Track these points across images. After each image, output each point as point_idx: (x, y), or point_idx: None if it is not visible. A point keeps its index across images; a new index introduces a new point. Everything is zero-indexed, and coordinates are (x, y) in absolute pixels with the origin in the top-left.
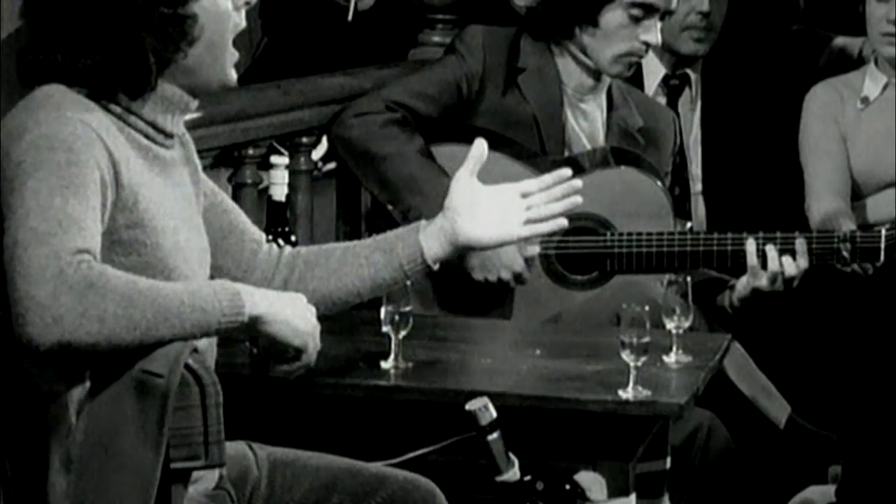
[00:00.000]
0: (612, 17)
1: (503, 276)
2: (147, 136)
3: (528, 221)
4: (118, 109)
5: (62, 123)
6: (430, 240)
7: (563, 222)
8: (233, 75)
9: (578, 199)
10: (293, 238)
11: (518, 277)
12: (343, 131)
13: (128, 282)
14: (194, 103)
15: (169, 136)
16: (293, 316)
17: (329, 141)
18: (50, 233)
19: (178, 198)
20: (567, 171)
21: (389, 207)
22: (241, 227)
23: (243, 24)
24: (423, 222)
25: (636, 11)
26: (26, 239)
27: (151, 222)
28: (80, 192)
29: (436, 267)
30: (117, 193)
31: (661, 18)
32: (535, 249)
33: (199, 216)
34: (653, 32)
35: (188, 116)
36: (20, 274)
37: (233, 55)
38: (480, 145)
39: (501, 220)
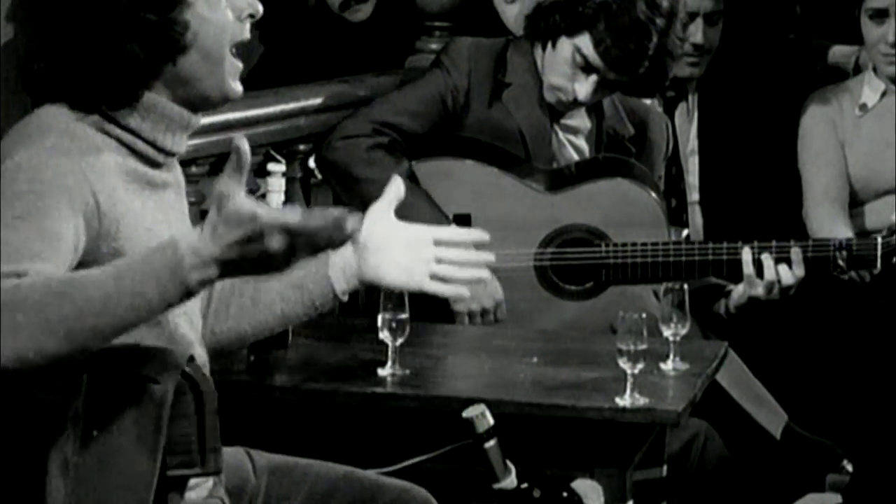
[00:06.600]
0: (564, 48)
1: (486, 304)
2: (145, 158)
3: (434, 277)
4: (116, 130)
5: (35, 153)
6: (338, 274)
7: (465, 292)
8: (236, 87)
9: (486, 272)
10: None
11: (499, 307)
12: (329, 154)
13: (41, 286)
14: (196, 119)
15: (170, 154)
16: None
17: (316, 163)
18: None
19: (170, 221)
20: (484, 236)
21: None
22: None
23: (247, 35)
24: (330, 255)
25: (579, 59)
26: None
27: (135, 249)
28: (34, 220)
29: (345, 299)
30: (99, 222)
31: (605, 86)
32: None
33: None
34: (584, 88)
35: (190, 133)
36: None
37: (234, 65)
38: (397, 183)
39: (408, 266)
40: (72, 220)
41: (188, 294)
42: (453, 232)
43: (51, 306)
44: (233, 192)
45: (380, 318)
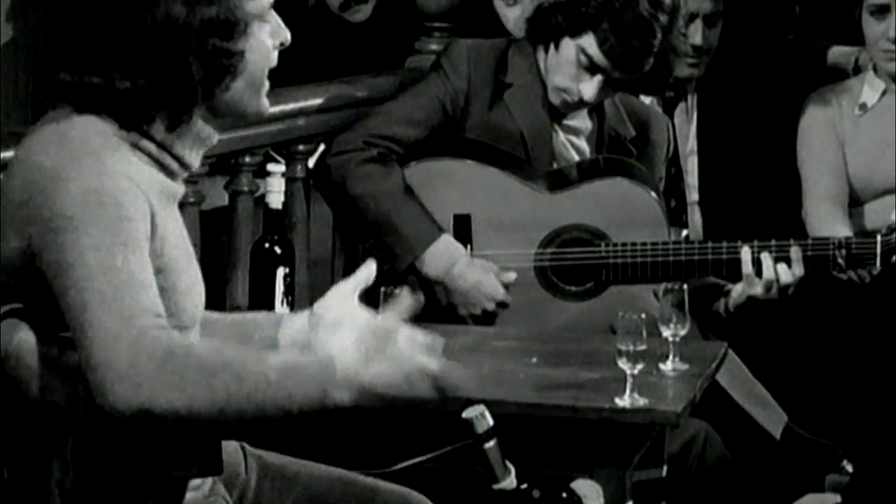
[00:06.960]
0: (568, 49)
1: (487, 307)
2: (170, 173)
3: None
4: (150, 146)
5: (107, 176)
6: (286, 342)
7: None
8: (267, 104)
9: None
10: (290, 246)
11: (502, 305)
12: (324, 172)
13: (212, 351)
14: (217, 138)
15: (189, 169)
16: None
17: (313, 181)
18: (117, 296)
19: (183, 234)
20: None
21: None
22: None
23: (275, 62)
24: (284, 322)
25: (584, 59)
26: (94, 303)
27: (171, 265)
28: (136, 249)
29: None
30: (151, 240)
31: (610, 85)
32: (511, 276)
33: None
34: (589, 88)
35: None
36: (93, 340)
37: (266, 87)
38: (370, 267)
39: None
40: (148, 245)
41: (322, 409)
42: (412, 336)
43: (220, 378)
44: (395, 328)
45: None
